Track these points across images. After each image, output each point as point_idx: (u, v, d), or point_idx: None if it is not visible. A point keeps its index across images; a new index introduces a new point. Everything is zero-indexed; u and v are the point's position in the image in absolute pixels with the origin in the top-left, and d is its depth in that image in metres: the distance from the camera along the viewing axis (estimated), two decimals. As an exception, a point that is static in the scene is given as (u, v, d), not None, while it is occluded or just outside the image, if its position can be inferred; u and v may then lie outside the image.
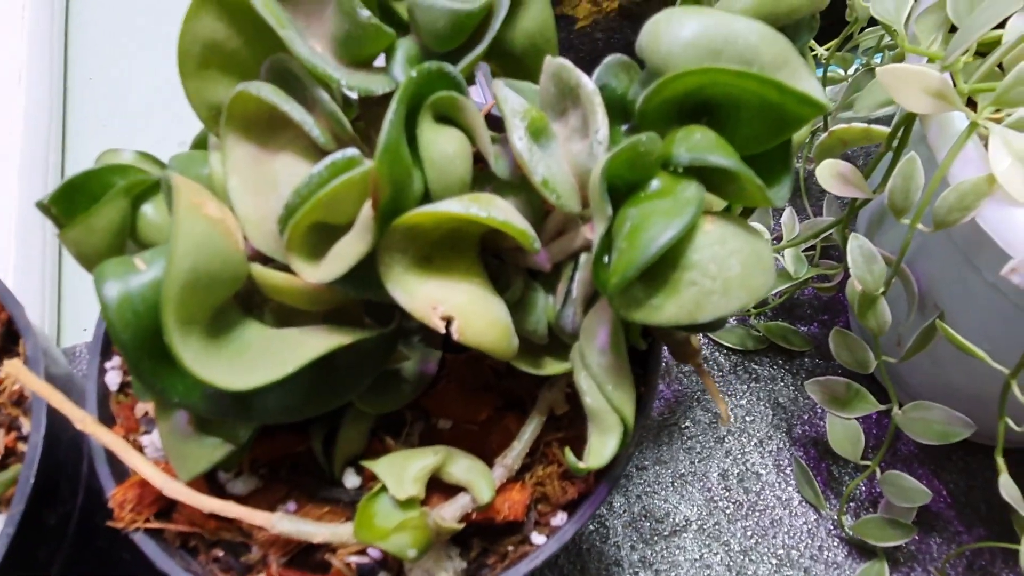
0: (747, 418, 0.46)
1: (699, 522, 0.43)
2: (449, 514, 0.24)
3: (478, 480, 0.24)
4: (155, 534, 0.26)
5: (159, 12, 0.61)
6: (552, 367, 0.24)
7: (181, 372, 0.21)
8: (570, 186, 0.21)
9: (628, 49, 0.21)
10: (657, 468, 0.45)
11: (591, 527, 0.43)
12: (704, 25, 0.19)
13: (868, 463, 0.40)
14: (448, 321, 0.20)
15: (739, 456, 0.45)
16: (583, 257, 0.22)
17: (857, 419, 0.39)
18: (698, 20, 0.19)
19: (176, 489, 0.24)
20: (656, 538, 0.43)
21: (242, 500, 0.27)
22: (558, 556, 0.43)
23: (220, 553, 0.26)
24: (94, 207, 0.24)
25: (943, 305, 0.36)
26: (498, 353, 0.21)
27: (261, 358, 0.21)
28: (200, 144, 0.26)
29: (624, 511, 0.44)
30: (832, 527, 0.43)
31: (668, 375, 0.47)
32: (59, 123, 0.55)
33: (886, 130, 0.34)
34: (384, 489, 0.24)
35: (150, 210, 0.25)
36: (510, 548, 0.26)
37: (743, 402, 0.46)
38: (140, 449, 0.29)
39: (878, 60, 0.45)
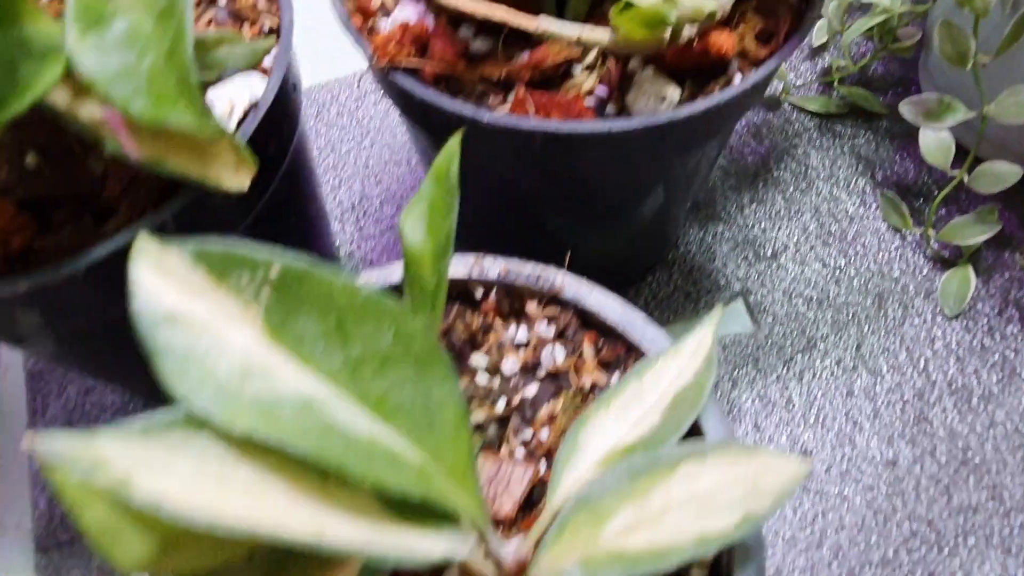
0: (833, 167, 0.51)
1: (795, 247, 0.48)
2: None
3: None
4: (411, 75, 0.30)
5: None
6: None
7: None
8: None
9: None
10: (755, 206, 0.50)
11: (696, 250, 0.48)
12: None
13: (955, 174, 0.45)
14: None
15: (828, 195, 0.50)
16: None
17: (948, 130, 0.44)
18: None
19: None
20: (757, 260, 0.48)
21: (482, 57, 0.31)
22: (673, 275, 0.47)
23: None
24: None
25: (1034, -1, 0.41)
26: None
27: None
28: None
29: (728, 238, 0.48)
30: (918, 246, 0.48)
31: (759, 135, 0.52)
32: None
33: None
34: None
35: None
36: (716, 86, 0.30)
37: (829, 153, 0.51)
38: (377, 32, 0.33)
39: None
